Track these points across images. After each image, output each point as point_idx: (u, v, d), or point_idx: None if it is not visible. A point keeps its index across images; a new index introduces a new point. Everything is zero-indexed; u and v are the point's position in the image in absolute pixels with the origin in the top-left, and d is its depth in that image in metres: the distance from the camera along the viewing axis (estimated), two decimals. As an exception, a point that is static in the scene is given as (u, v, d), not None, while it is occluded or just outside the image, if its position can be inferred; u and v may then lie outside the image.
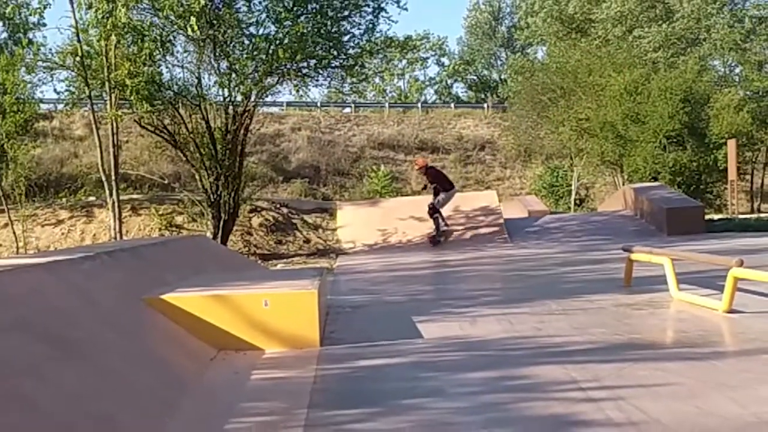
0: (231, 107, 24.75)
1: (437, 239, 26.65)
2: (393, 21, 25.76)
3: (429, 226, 27.81)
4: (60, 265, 9.44)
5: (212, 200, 24.78)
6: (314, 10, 23.35)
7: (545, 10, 55.13)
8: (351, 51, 25.29)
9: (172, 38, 24.00)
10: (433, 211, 26.49)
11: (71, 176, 47.21)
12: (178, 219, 28.48)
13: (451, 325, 10.54)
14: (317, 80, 26.70)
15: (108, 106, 24.79)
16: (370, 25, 25.09)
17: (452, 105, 73.78)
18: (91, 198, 34.41)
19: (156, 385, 7.63)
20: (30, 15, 25.95)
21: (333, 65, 25.51)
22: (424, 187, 28.15)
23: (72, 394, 6.44)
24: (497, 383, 7.35)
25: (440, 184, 27.01)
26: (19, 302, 7.67)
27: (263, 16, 23.86)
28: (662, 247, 15.32)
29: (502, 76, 79.54)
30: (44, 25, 30.59)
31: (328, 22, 23.80)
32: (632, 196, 29.21)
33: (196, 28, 22.07)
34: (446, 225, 27.04)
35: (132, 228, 28.12)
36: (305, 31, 23.27)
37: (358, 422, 6.33)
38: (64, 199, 35.35)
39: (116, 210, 24.97)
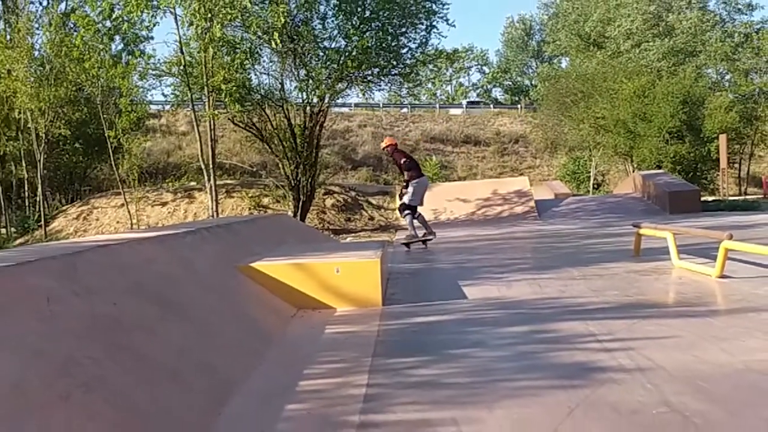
0: (308, 108, 24.82)
1: (422, 240, 18.29)
2: (443, 36, 26.00)
3: (474, 206, 27.68)
4: (167, 238, 9.47)
5: (293, 185, 24.90)
6: (377, 27, 23.33)
7: (567, 28, 55.12)
8: (407, 61, 25.26)
9: (259, 50, 24.10)
10: (404, 208, 18.11)
11: (176, 165, 47.54)
12: (265, 200, 28.55)
13: (490, 288, 10.47)
14: (379, 85, 26.76)
15: (206, 107, 24.93)
16: (424, 40, 25.09)
17: (491, 106, 73.63)
18: (192, 183, 34.64)
19: (246, 338, 7.64)
20: (141, 31, 26.09)
21: (392, 73, 25.49)
22: (406, 185, 18.14)
23: (177, 346, 6.48)
24: (529, 336, 7.35)
25: (409, 170, 18.06)
26: (133, 270, 7.73)
27: (335, 32, 23.94)
28: (665, 223, 15.29)
29: (533, 82, 79.15)
30: (153, 38, 30.77)
31: (389, 38, 23.77)
32: (640, 181, 29.09)
33: (278, 42, 22.12)
34: (430, 232, 18.26)
35: (226, 208, 28.21)
36: (370, 45, 23.30)
37: (413, 368, 6.36)
38: (170, 184, 35.60)
39: (213, 193, 25.10)
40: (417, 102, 64.31)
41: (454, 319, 8.45)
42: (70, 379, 5.02)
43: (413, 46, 25.20)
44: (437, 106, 71.83)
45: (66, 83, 29.82)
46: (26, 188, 35.87)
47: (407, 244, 18.18)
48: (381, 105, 62.74)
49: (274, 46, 23.18)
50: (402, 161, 18.15)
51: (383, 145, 18.65)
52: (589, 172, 44.08)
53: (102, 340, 5.81)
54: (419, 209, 18.28)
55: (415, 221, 18.06)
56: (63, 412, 4.60)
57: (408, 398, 5.58)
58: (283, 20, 21.68)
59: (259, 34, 22.98)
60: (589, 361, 6.24)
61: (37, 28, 32.91)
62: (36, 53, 31.15)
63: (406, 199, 17.90)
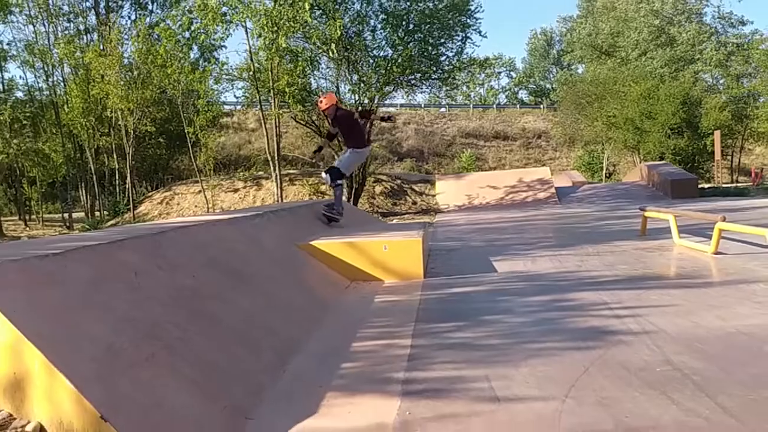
0: (360, 107, 24.81)
1: (333, 215, 13.21)
2: (476, 45, 26.05)
3: (503, 192, 27.58)
4: (238, 220, 9.51)
5: (347, 174, 24.90)
6: (419, 39, 23.35)
7: (582, 40, 55.26)
8: (445, 68, 25.21)
9: (318, 58, 24.15)
10: (337, 176, 13.00)
11: (246, 157, 47.79)
12: (322, 188, 28.58)
13: (517, 263, 10.46)
14: (421, 88, 26.77)
15: (272, 107, 25.07)
16: (459, 49, 25.04)
17: (518, 106, 73.52)
18: (260, 173, 34.74)
19: (307, 306, 7.67)
20: (216, 41, 26.34)
21: (432, 78, 25.46)
22: (318, 149, 14.80)
23: (247, 313, 6.52)
24: (550, 304, 7.37)
25: (350, 136, 13.24)
26: (209, 247, 7.80)
27: (383, 42, 23.93)
28: (667, 207, 15.21)
29: (553, 86, 78.63)
30: (226, 48, 30.90)
31: (429, 47, 23.77)
32: (646, 171, 29.11)
33: (335, 51, 22.22)
34: (339, 210, 13.34)
35: (289, 194, 28.29)
36: (413, 53, 23.34)
37: (450, 332, 6.42)
38: (240, 174, 35.75)
39: (278, 181, 25.23)
40: (453, 102, 64.28)
41: (485, 289, 8.46)
42: (156, 342, 5.09)
43: (450, 54, 25.20)
44: (471, 105, 71.72)
45: (151, 86, 30.05)
46: (117, 177, 36.25)
47: (329, 218, 13.25)
48: (422, 105, 62.70)
49: (330, 55, 23.33)
50: (349, 124, 13.10)
51: (322, 107, 12.85)
52: (602, 163, 44.36)
53: (182, 308, 5.88)
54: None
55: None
56: (150, 371, 4.66)
57: (446, 358, 5.65)
58: (339, 33, 21.81)
59: (318, 44, 23.07)
60: (602, 326, 6.33)
61: (126, 39, 33.20)
62: (125, 61, 31.41)
63: (342, 165, 13.32)
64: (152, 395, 4.41)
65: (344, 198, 14.79)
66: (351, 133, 13.20)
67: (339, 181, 13.13)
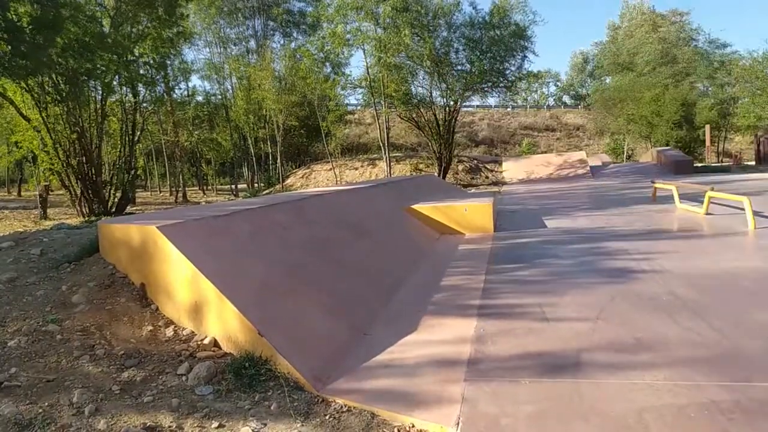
0: (447, 108, 24.60)
1: None
2: (531, 62, 25.20)
3: (552, 169, 27.11)
4: (359, 190, 9.54)
5: (437, 156, 24.77)
6: (490, 57, 23.00)
7: (609, 58, 55.07)
8: (509, 78, 24.74)
9: (415, 71, 23.94)
10: None
11: (364, 144, 47.89)
12: (420, 166, 28.44)
13: (562, 220, 10.26)
14: (492, 93, 26.21)
15: (383, 107, 25.02)
16: (519, 65, 24.50)
17: (562, 107, 72.29)
18: (374, 155, 34.78)
19: (408, 252, 7.61)
20: (342, 60, 26.49)
21: (500, 85, 25.00)
22: None
23: (365, 257, 6.51)
24: (586, 251, 7.32)
25: None
26: (336, 209, 7.80)
27: (463, 59, 23.55)
28: (671, 180, 14.83)
29: (588, 91, 76.92)
30: (349, 64, 30.92)
31: (497, 63, 23.41)
32: (656, 154, 28.58)
33: (428, 65, 22.01)
34: None
35: (396, 171, 28.25)
36: (485, 68, 23.03)
37: (513, 271, 6.41)
38: (361, 156, 35.89)
39: (388, 162, 25.26)
40: (515, 104, 63.79)
41: (538, 240, 8.37)
42: (297, 278, 5.15)
43: (513, 68, 24.73)
44: (527, 106, 70.77)
45: (295, 92, 30.29)
46: (270, 159, 36.67)
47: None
48: (493, 105, 62.21)
49: (425, 68, 23.14)
50: None
51: None
52: (624, 148, 44.25)
53: (317, 253, 5.91)
54: None
55: None
56: (293, 299, 4.71)
57: (509, 289, 5.71)
58: (429, 51, 21.65)
59: (416, 59, 22.90)
60: (623, 267, 6.39)
61: (277, 58, 33.49)
62: (276, 74, 31.69)
63: None
64: (295, 317, 4.47)
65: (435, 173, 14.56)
66: None
67: None
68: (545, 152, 51.35)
